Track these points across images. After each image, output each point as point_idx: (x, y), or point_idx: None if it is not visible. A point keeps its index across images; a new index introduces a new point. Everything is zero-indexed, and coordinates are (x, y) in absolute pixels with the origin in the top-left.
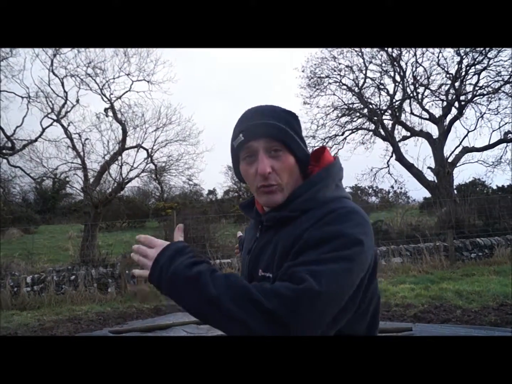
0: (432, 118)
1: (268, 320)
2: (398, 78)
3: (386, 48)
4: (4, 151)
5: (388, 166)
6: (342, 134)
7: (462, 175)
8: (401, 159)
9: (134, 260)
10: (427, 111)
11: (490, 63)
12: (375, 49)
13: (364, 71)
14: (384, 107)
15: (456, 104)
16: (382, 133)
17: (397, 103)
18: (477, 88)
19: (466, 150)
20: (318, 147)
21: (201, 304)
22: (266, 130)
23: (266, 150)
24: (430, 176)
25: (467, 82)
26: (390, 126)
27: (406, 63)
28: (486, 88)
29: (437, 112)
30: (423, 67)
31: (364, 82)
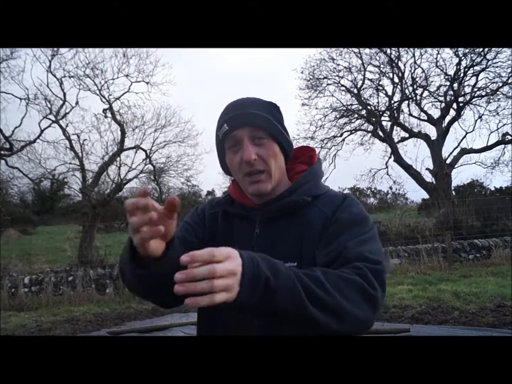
0: (430, 120)
1: (373, 307)
2: (396, 79)
3: (384, 49)
4: (2, 152)
5: (387, 167)
6: (341, 135)
7: (460, 176)
8: (399, 160)
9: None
10: (425, 112)
11: (488, 64)
12: (373, 50)
13: (362, 73)
14: (383, 108)
15: (455, 105)
16: (381, 134)
17: (395, 104)
18: (475, 90)
19: (464, 151)
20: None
21: (308, 308)
22: (249, 119)
23: (250, 138)
24: (428, 177)
25: (466, 83)
26: (388, 127)
27: (404, 65)
28: (484, 90)
29: (436, 113)
30: (422, 68)
31: (363, 83)
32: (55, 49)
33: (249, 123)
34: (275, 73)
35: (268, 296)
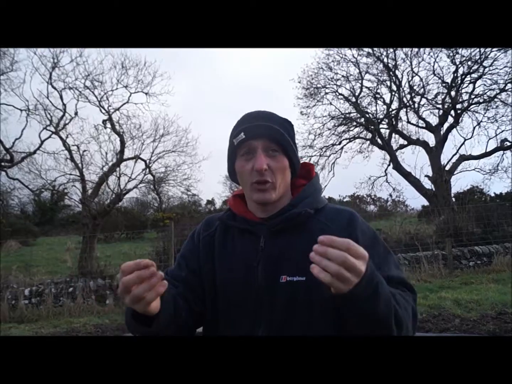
0: (428, 127)
1: (414, 330)
2: (394, 87)
3: (382, 58)
4: (2, 163)
5: (386, 174)
6: (340, 143)
7: (459, 183)
8: (398, 167)
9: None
10: (423, 119)
11: (485, 71)
12: (370, 60)
13: (360, 81)
14: (381, 116)
15: (453, 112)
16: (379, 142)
17: (393, 112)
18: (473, 97)
19: (463, 158)
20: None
21: (390, 318)
22: (266, 131)
23: (264, 149)
24: (427, 184)
25: (463, 90)
26: (387, 135)
27: (402, 73)
28: (482, 97)
29: (434, 120)
30: (419, 76)
31: (361, 91)
32: (55, 61)
33: (265, 135)
34: (273, 82)
35: (373, 298)
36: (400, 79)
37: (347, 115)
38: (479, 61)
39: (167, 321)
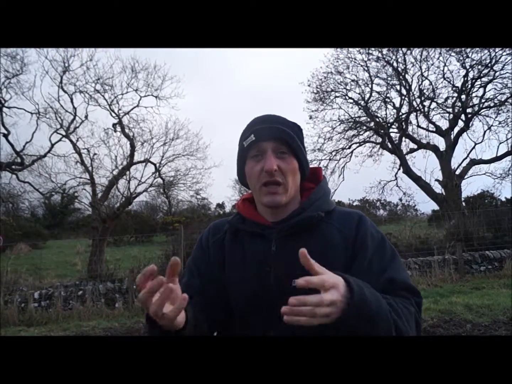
0: (439, 131)
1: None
2: (404, 91)
3: (391, 62)
4: (13, 166)
5: (396, 179)
6: (349, 147)
7: (470, 187)
8: (408, 171)
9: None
10: (433, 123)
11: (496, 75)
12: (380, 64)
13: (370, 85)
14: (391, 120)
15: (463, 116)
16: (389, 146)
17: (403, 116)
18: (483, 101)
19: (474, 162)
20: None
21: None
22: (276, 133)
23: (274, 151)
24: (438, 188)
25: (474, 94)
26: (397, 139)
27: (411, 77)
28: (492, 101)
29: (444, 124)
30: (429, 80)
31: (370, 95)
32: (66, 65)
33: (275, 136)
34: (287, 86)
35: (366, 321)
36: (410, 83)
37: (357, 119)
38: (489, 65)
39: (191, 333)
